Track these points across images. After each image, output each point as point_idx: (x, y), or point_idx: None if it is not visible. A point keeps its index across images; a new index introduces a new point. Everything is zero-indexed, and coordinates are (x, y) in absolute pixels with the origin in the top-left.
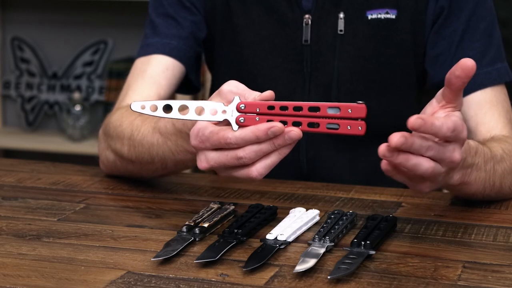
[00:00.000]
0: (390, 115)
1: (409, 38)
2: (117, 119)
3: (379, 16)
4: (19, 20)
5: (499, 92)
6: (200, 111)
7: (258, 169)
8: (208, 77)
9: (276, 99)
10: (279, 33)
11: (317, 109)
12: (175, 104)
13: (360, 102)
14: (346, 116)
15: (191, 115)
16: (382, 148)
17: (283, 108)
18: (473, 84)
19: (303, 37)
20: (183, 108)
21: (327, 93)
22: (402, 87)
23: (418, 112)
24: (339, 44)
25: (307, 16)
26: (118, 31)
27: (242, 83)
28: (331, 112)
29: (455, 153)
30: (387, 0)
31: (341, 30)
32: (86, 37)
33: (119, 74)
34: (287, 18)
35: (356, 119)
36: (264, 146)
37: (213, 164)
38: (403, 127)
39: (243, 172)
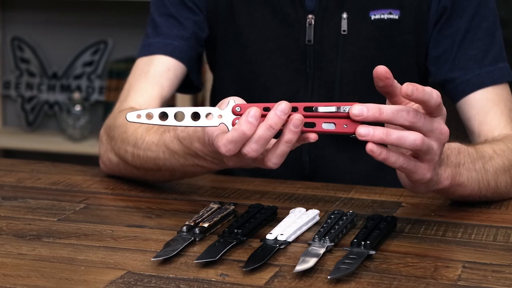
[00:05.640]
0: None
1: (412, 38)
2: (122, 124)
3: (382, 16)
4: (19, 20)
5: (502, 90)
6: (195, 117)
7: (271, 159)
8: (208, 77)
9: (279, 99)
10: (283, 33)
11: (312, 109)
12: (171, 111)
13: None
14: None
15: (187, 121)
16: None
17: None
18: (475, 83)
19: (306, 37)
20: (178, 116)
21: (330, 93)
22: None
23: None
24: (342, 44)
25: (310, 16)
26: (118, 31)
27: (245, 82)
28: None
29: (442, 125)
30: (391, 0)
31: (344, 30)
32: (86, 37)
33: (119, 74)
34: (291, 18)
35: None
36: (256, 134)
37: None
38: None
39: (259, 164)
